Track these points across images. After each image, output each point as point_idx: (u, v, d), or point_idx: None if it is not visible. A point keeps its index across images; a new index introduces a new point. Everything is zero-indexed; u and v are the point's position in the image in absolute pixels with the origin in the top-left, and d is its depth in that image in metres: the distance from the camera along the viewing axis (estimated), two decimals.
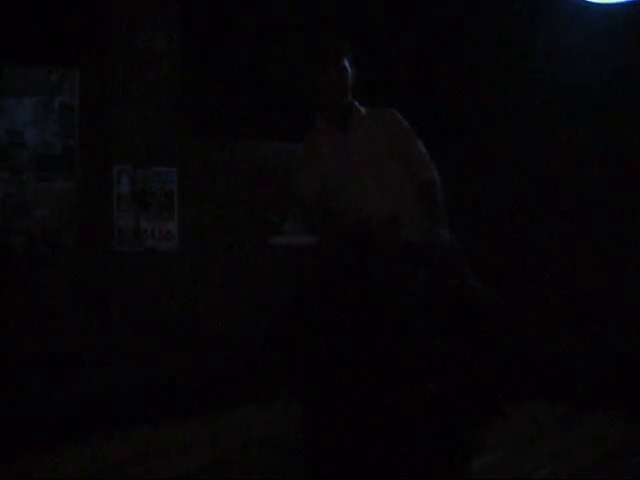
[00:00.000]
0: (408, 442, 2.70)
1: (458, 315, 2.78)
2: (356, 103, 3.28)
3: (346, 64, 3.24)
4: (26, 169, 4.30)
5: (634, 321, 4.42)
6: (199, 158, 4.83)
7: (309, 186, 3.25)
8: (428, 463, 2.70)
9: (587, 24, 4.71)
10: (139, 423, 3.94)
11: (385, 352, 2.66)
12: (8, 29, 4.18)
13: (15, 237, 4.28)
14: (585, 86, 4.70)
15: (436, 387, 2.61)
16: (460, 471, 2.85)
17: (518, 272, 4.98)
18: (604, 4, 4.62)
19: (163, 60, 4.64)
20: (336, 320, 2.79)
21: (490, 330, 2.82)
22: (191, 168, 4.78)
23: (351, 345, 2.71)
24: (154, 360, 4.38)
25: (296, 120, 4.97)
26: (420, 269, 2.86)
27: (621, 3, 4.58)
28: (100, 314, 4.44)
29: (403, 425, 2.65)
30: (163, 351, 4.42)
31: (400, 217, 3.12)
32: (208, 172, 4.83)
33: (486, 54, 5.26)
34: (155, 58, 4.61)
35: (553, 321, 4.77)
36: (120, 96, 4.50)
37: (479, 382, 2.75)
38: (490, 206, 5.20)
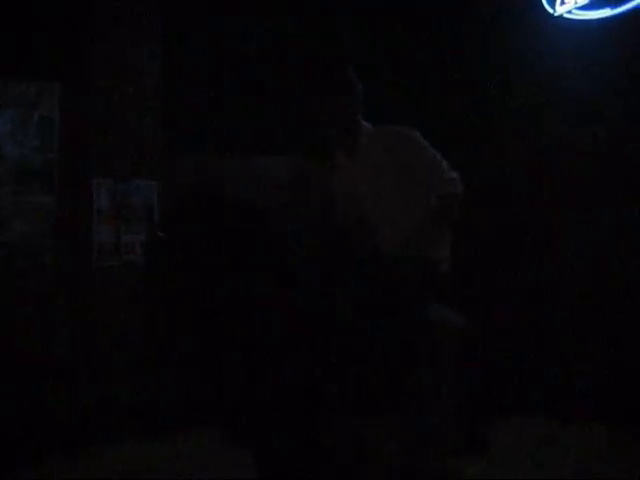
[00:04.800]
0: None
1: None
2: (364, 123, 3.27)
3: (353, 88, 3.25)
4: (4, 183, 4.26)
5: (614, 335, 4.43)
6: (179, 171, 4.79)
7: None
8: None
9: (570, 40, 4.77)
10: (121, 439, 3.91)
11: None
12: None
13: None
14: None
15: None
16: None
17: (502, 287, 4.98)
18: (584, 20, 4.69)
19: (144, 73, 4.62)
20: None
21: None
22: (171, 181, 4.74)
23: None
24: (135, 375, 4.32)
25: (280, 135, 5.01)
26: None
27: (600, 20, 4.64)
28: (80, 328, 4.38)
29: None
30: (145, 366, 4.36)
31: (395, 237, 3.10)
32: (188, 185, 4.80)
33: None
34: (136, 71, 4.59)
35: (536, 337, 4.77)
36: (100, 109, 4.48)
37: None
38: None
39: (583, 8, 4.65)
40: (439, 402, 2.88)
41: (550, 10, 4.76)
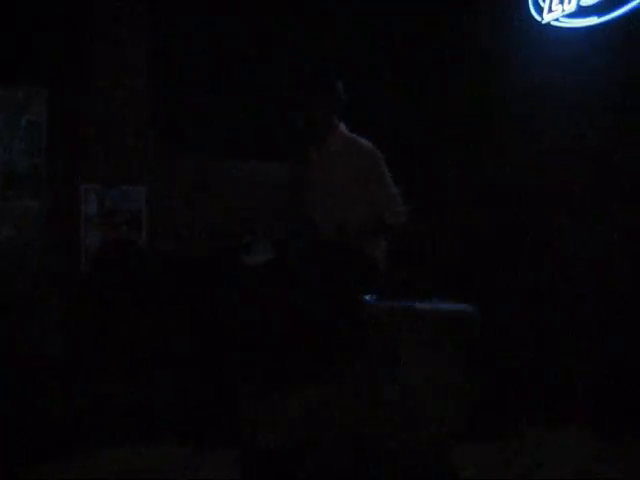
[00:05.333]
0: None
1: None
2: (342, 128, 3.41)
3: (332, 92, 3.40)
4: None
5: (604, 339, 4.39)
6: (168, 177, 4.79)
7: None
8: None
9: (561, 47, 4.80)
10: (117, 440, 3.85)
11: None
12: None
13: None
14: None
15: None
16: None
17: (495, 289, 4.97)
18: (571, 28, 4.72)
19: (133, 78, 4.64)
20: None
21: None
22: (160, 187, 4.73)
23: None
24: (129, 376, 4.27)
25: (270, 139, 5.01)
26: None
27: (587, 27, 4.67)
28: (68, 333, 4.31)
29: None
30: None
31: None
32: (177, 191, 4.79)
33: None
34: (125, 76, 4.62)
35: (536, 337, 4.74)
36: (88, 114, 4.49)
37: None
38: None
39: (570, 16, 4.68)
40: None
41: (538, 18, 4.80)
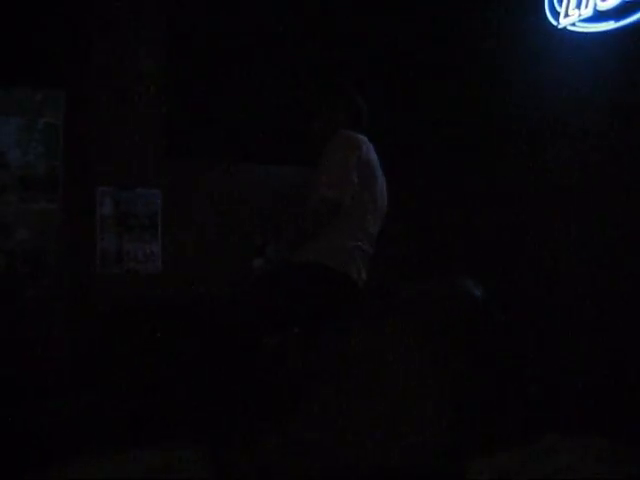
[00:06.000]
0: None
1: None
2: (342, 131, 3.35)
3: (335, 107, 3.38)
4: (9, 190, 4.27)
5: (604, 339, 4.47)
6: (183, 180, 4.81)
7: None
8: None
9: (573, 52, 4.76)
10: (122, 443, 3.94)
11: None
12: None
13: None
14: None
15: None
16: None
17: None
18: (588, 33, 4.68)
19: (148, 81, 4.61)
20: None
21: None
22: (175, 190, 4.76)
23: None
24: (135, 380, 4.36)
25: (281, 143, 5.02)
26: None
27: (604, 32, 4.63)
28: (82, 335, 4.41)
29: None
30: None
31: None
32: (192, 194, 4.82)
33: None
34: (140, 79, 4.58)
35: (527, 340, 4.83)
36: (104, 117, 4.48)
37: None
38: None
39: (587, 21, 4.64)
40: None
41: (554, 22, 4.76)
